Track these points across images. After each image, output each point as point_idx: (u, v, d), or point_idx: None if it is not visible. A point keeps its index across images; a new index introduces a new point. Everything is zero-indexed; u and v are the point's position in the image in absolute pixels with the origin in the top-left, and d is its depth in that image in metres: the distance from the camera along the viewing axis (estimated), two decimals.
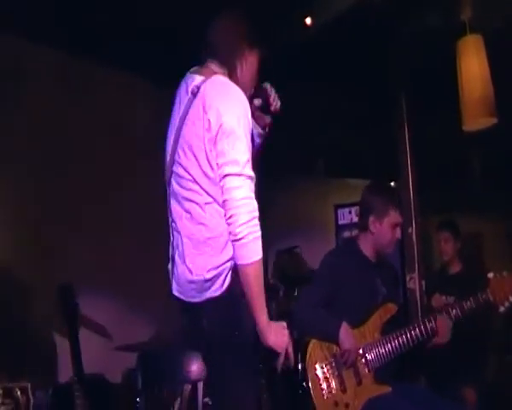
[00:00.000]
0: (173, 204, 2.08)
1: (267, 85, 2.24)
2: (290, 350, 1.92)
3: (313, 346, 2.76)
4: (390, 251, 2.99)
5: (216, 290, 1.92)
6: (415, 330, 2.75)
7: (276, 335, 1.89)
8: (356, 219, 3.92)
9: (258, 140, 2.25)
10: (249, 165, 1.90)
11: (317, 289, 2.85)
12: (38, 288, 3.48)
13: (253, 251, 1.84)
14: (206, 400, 3.04)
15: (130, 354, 3.07)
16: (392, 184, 4.90)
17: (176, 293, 2.09)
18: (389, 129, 4.07)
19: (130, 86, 4.37)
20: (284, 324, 1.93)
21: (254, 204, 1.86)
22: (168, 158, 2.10)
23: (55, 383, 3.21)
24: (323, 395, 2.67)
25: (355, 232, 3.17)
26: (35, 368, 3.26)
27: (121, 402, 3.38)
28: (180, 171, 2.02)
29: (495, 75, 3.44)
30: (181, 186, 2.02)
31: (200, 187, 1.94)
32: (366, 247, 2.94)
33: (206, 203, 1.94)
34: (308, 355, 2.74)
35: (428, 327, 2.75)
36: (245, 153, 1.89)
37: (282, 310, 4.27)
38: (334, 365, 2.72)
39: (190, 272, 1.96)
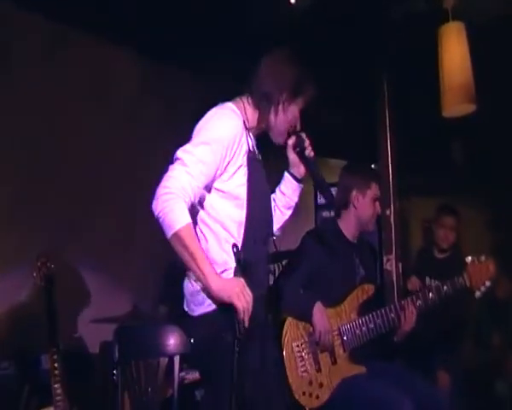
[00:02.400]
0: None
1: (303, 134, 2.28)
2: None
3: (289, 324, 2.76)
4: (371, 228, 3.03)
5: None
6: (388, 315, 2.78)
7: (225, 286, 1.92)
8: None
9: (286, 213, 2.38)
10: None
11: (295, 268, 2.87)
12: (14, 258, 3.48)
13: (167, 226, 1.90)
14: (183, 374, 3.09)
15: (107, 327, 3.09)
16: (373, 166, 4.95)
17: None
18: (371, 111, 4.09)
19: (116, 57, 4.33)
20: (242, 280, 1.94)
21: (167, 183, 1.91)
22: None
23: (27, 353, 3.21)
24: (298, 374, 2.69)
25: (333, 213, 3.18)
26: (9, 339, 3.28)
27: (98, 374, 3.41)
28: None
29: (476, 64, 3.48)
30: None
31: None
32: (346, 226, 2.96)
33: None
34: (284, 333, 2.76)
35: (392, 317, 2.77)
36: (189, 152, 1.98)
37: None
38: (309, 344, 2.73)
39: None
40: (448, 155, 6.48)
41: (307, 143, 2.27)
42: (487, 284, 2.78)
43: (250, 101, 2.19)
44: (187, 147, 2.01)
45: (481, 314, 5.76)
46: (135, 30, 4.01)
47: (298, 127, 2.26)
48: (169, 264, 4.10)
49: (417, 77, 3.90)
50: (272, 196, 2.37)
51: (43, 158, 3.78)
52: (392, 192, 3.84)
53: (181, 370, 2.70)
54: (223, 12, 3.81)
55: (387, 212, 3.83)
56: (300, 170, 2.33)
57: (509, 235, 7.24)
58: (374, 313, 2.79)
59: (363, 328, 2.78)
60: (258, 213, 2.14)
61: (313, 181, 2.30)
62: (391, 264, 3.85)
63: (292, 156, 2.32)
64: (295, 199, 2.38)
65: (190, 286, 2.08)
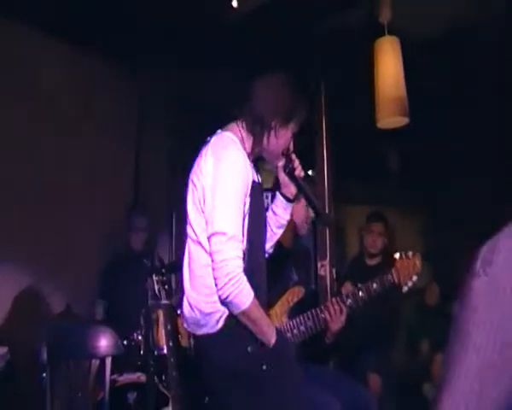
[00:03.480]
0: None
1: (292, 155, 2.30)
2: None
3: None
4: (304, 232, 3.05)
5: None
6: (319, 316, 2.77)
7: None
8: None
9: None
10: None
11: None
12: None
13: (236, 306, 2.02)
14: (115, 376, 3.06)
15: (37, 328, 3.03)
16: (310, 172, 5.03)
17: None
18: (309, 118, 4.16)
19: (46, 45, 4.21)
20: None
21: (225, 268, 2.00)
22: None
23: None
24: None
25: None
26: None
27: (25, 376, 3.32)
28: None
29: (410, 77, 3.61)
30: None
31: None
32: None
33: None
34: None
35: (323, 318, 2.77)
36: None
37: None
38: None
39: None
40: (384, 163, 6.66)
41: (296, 163, 2.30)
42: (414, 278, 2.85)
43: (244, 126, 2.21)
44: (216, 209, 2.03)
45: (411, 320, 5.97)
46: (54, 14, 3.91)
47: (290, 149, 2.30)
48: (107, 264, 4.05)
49: (354, 87, 4.00)
50: (267, 219, 2.40)
51: None
52: (327, 199, 3.89)
53: (113, 372, 2.68)
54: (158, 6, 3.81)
55: None
56: (291, 189, 2.37)
57: (440, 243, 7.53)
58: (304, 316, 2.79)
59: (294, 330, 2.77)
60: (255, 243, 2.17)
61: (304, 199, 2.37)
62: (325, 269, 3.90)
63: (282, 176, 2.35)
64: (287, 217, 2.42)
65: (203, 308, 2.12)
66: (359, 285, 2.91)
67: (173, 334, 2.88)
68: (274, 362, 2.08)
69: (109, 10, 3.79)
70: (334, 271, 3.96)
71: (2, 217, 3.76)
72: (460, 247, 7.71)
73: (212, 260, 2.03)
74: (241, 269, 2.02)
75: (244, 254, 2.09)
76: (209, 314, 2.10)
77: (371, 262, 4.08)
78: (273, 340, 2.09)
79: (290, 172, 2.31)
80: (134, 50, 4.29)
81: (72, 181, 4.20)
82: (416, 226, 7.68)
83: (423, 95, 4.16)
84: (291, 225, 2.97)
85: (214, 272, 2.02)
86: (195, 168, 2.16)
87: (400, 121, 3.64)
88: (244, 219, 2.11)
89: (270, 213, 2.41)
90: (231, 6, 3.67)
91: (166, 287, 2.86)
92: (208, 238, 2.05)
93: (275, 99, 2.19)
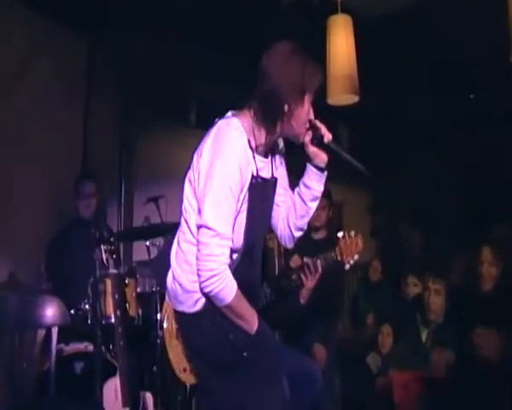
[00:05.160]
0: None
1: (316, 122, 2.15)
2: None
3: (168, 304, 2.73)
4: None
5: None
6: (265, 290, 2.90)
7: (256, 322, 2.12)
8: None
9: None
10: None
11: None
12: None
13: (219, 300, 2.01)
14: (62, 346, 3.04)
15: None
16: None
17: None
18: None
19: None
20: None
21: (207, 263, 1.99)
22: None
23: None
24: (179, 351, 2.73)
25: None
26: None
27: None
28: None
29: (362, 56, 3.66)
30: None
31: None
32: None
33: None
34: (164, 311, 2.84)
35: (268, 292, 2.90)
36: None
37: None
38: None
39: None
40: (335, 139, 6.75)
41: (323, 129, 2.15)
42: (356, 257, 2.97)
43: (253, 114, 2.08)
44: (207, 201, 1.98)
45: (356, 294, 6.16)
46: None
47: (312, 118, 2.15)
48: (55, 232, 3.98)
49: None
50: (296, 190, 2.29)
51: None
52: None
53: (59, 342, 2.67)
54: None
55: None
56: (323, 158, 2.20)
57: (385, 221, 7.74)
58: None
59: None
60: (252, 239, 2.13)
61: (343, 161, 2.20)
62: (273, 242, 3.94)
63: (311, 150, 2.18)
64: (321, 188, 2.26)
65: (184, 285, 2.09)
66: (305, 259, 3.00)
67: (121, 303, 2.89)
68: (255, 349, 2.08)
69: None
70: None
71: None
72: (405, 224, 8.00)
73: (198, 250, 2.00)
74: (226, 265, 2.00)
75: (237, 250, 2.08)
76: (189, 292, 2.08)
77: (317, 236, 4.10)
78: (255, 328, 2.09)
79: (320, 141, 2.17)
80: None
81: (14, 144, 4.08)
82: (363, 203, 7.85)
83: (378, 73, 4.23)
84: None
85: (198, 262, 2.00)
86: (200, 146, 2.09)
87: (350, 99, 3.70)
88: (238, 216, 2.05)
89: (302, 188, 2.26)
90: None
91: (115, 256, 2.86)
92: (197, 227, 2.02)
93: (285, 74, 2.01)
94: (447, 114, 6.19)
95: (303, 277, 2.94)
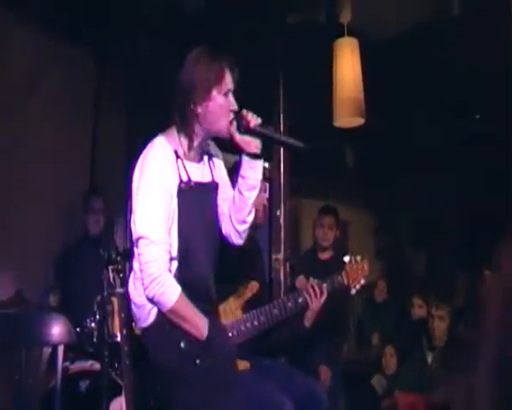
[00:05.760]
0: None
1: (239, 111, 2.15)
2: None
3: None
4: (260, 222, 2.99)
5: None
6: (271, 311, 2.83)
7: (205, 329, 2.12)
8: None
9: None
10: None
11: None
12: None
13: (162, 304, 2.07)
14: (67, 364, 3.04)
15: None
16: (267, 165, 5.03)
17: None
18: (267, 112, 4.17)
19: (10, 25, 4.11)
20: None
21: (147, 270, 2.05)
22: None
23: None
24: None
25: None
26: None
27: None
28: None
29: (369, 78, 3.70)
30: None
31: None
32: None
33: None
34: None
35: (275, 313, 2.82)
36: None
37: None
38: None
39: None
40: (341, 158, 6.77)
41: (249, 116, 2.14)
42: (362, 282, 2.96)
43: (175, 124, 2.16)
44: (137, 215, 2.07)
45: (361, 315, 6.14)
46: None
47: (234, 109, 2.14)
48: (62, 249, 3.99)
49: (313, 84, 4.05)
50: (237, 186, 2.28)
51: None
52: (282, 193, 3.91)
53: (65, 360, 2.67)
54: None
55: (278, 212, 3.91)
56: (255, 144, 2.17)
57: (389, 242, 7.73)
58: (258, 310, 2.81)
59: (248, 324, 2.79)
60: (192, 243, 2.16)
61: (275, 143, 2.23)
62: (279, 263, 3.94)
63: (239, 139, 2.16)
64: (258, 176, 2.22)
65: (136, 301, 2.16)
66: (311, 280, 2.99)
67: (127, 322, 2.89)
68: (207, 357, 2.09)
69: None
70: (287, 265, 4.01)
71: None
72: (409, 244, 7.98)
73: (139, 262, 2.08)
74: (166, 269, 2.06)
75: (175, 255, 2.12)
76: (140, 307, 2.14)
77: (323, 256, 4.12)
78: (205, 334, 2.10)
79: (246, 128, 2.14)
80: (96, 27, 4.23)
81: (22, 159, 4.09)
82: (368, 222, 7.85)
83: (383, 95, 4.26)
84: None
85: (141, 273, 2.07)
86: None
87: (356, 121, 3.73)
88: (173, 222, 2.11)
89: (239, 181, 2.26)
90: None
91: (121, 275, 2.87)
92: (134, 242, 2.10)
93: (186, 75, 2.10)
94: (452, 134, 6.21)
95: (308, 299, 2.93)
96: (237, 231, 2.32)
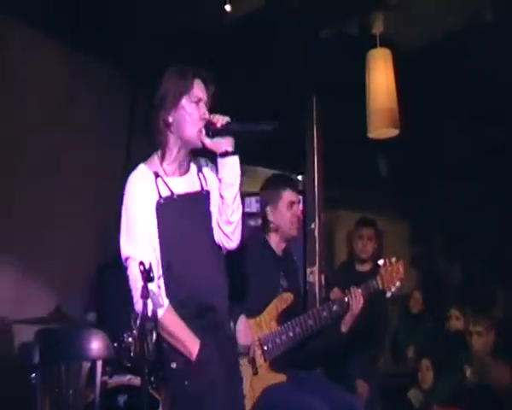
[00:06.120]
0: None
1: (206, 116, 2.17)
2: None
3: None
4: (295, 233, 3.05)
5: None
6: (306, 322, 2.84)
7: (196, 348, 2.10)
8: None
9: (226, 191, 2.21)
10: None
11: None
12: None
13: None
14: (106, 378, 3.07)
15: (28, 330, 3.04)
16: (300, 177, 5.01)
17: None
18: (300, 123, 4.17)
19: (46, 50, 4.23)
20: None
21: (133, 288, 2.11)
22: None
23: None
24: None
25: (260, 222, 3.26)
26: None
27: (16, 377, 3.33)
28: None
29: (402, 88, 3.66)
30: None
31: None
32: (273, 241, 3.01)
33: None
34: None
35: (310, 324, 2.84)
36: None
37: None
38: None
39: None
40: (374, 168, 6.71)
41: (215, 118, 2.16)
42: (398, 284, 2.93)
43: (155, 144, 2.22)
44: (121, 237, 2.16)
45: (397, 327, 6.04)
46: (69, 25, 3.95)
47: (204, 116, 2.17)
48: (99, 266, 4.04)
49: (347, 95, 4.03)
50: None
51: None
52: (317, 206, 3.90)
53: (104, 374, 2.70)
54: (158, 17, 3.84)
55: (312, 225, 3.90)
56: (226, 142, 2.16)
57: (423, 252, 7.61)
58: (293, 322, 2.83)
59: (283, 336, 2.81)
60: (179, 256, 2.15)
61: (248, 132, 2.19)
62: (314, 276, 3.92)
63: (209, 143, 2.16)
64: (232, 173, 2.19)
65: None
66: (346, 291, 2.98)
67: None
68: (196, 378, 2.07)
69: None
70: (322, 277, 3.98)
71: None
72: (445, 254, 7.85)
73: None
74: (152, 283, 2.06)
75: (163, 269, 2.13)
76: None
77: (361, 268, 4.06)
78: (194, 354, 2.07)
79: (214, 131, 2.15)
80: (128, 53, 4.30)
81: (68, 178, 4.21)
82: (403, 233, 7.75)
83: (414, 104, 4.22)
84: (279, 232, 3.01)
85: (131, 290, 2.12)
86: None
87: (391, 132, 3.69)
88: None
89: (219, 184, 2.25)
90: (225, 10, 3.68)
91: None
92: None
93: (158, 91, 2.19)
94: (484, 143, 6.11)
95: (351, 302, 2.90)
96: (225, 234, 2.27)
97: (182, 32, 3.90)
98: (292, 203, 3.00)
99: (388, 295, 2.95)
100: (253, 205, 5.21)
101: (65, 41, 4.25)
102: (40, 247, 4.00)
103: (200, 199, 2.25)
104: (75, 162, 4.30)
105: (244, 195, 5.27)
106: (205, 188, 2.26)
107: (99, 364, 2.59)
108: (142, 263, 1.93)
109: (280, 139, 5.40)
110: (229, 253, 2.88)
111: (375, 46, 3.62)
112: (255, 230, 4.36)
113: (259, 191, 3.13)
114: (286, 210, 2.98)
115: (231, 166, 2.19)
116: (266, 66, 4.12)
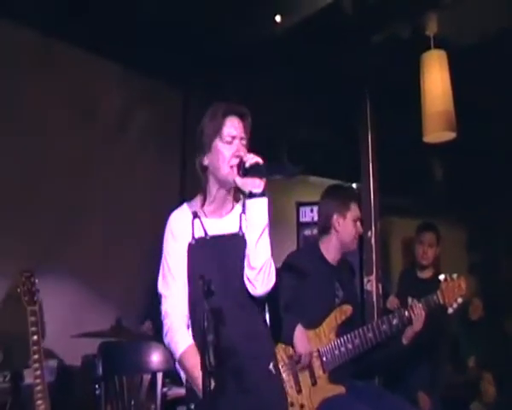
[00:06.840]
0: None
1: (241, 155, 2.16)
2: None
3: None
4: (354, 248, 3.06)
5: None
6: (366, 334, 2.83)
7: None
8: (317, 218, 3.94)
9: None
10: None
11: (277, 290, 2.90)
12: None
13: (172, 352, 2.22)
14: (166, 390, 3.10)
15: (89, 342, 3.10)
16: (354, 185, 4.96)
17: None
18: (355, 131, 4.14)
19: (101, 69, 4.36)
20: None
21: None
22: None
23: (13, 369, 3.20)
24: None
25: (315, 231, 3.23)
26: None
27: (80, 388, 3.41)
28: None
29: (458, 91, 3.57)
30: None
31: None
32: (328, 250, 3.00)
33: None
34: None
35: (370, 337, 2.83)
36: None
37: None
38: (289, 366, 2.73)
39: None
40: (428, 175, 6.58)
41: (246, 157, 2.13)
42: (459, 300, 2.87)
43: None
44: (160, 272, 2.29)
45: (459, 337, 5.86)
46: (122, 44, 4.04)
47: (240, 153, 2.16)
48: (155, 279, 4.09)
49: (401, 100, 3.97)
50: None
51: (23, 171, 3.76)
52: (373, 213, 3.85)
53: (163, 386, 2.73)
54: (210, 32, 3.87)
55: (369, 233, 3.85)
56: (255, 184, 2.11)
57: (483, 257, 7.39)
58: (352, 334, 2.83)
59: (342, 348, 2.81)
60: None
61: (274, 173, 2.15)
62: (371, 285, 3.87)
63: (239, 182, 2.14)
64: (260, 216, 2.12)
65: None
66: (410, 301, 2.92)
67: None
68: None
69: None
70: (380, 285, 3.91)
71: (59, 230, 3.85)
72: (505, 260, 7.61)
73: None
74: (179, 323, 2.18)
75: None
76: None
77: (423, 275, 3.98)
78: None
79: (245, 169, 2.11)
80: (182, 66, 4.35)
81: (129, 200, 4.32)
82: (461, 239, 7.56)
83: (470, 108, 4.11)
84: (339, 241, 2.99)
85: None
86: None
87: (447, 136, 3.60)
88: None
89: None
90: (274, 21, 3.68)
91: None
92: None
93: (196, 136, 2.26)
94: None
95: (413, 317, 2.85)
96: (248, 279, 2.16)
97: (234, 45, 3.92)
98: (356, 220, 3.01)
99: (450, 311, 2.90)
100: (308, 214, 5.20)
101: (119, 60, 4.36)
102: (108, 261, 4.15)
103: (235, 241, 2.22)
104: (129, 180, 4.40)
105: (299, 204, 5.33)
106: (242, 229, 2.23)
107: (159, 376, 2.63)
108: (202, 277, 1.90)
109: (334, 148, 5.39)
110: (283, 265, 2.90)
111: (429, 48, 3.54)
112: (309, 239, 4.34)
113: (322, 198, 3.11)
114: (352, 224, 2.98)
115: (256, 209, 2.13)
116: (320, 74, 4.10)
